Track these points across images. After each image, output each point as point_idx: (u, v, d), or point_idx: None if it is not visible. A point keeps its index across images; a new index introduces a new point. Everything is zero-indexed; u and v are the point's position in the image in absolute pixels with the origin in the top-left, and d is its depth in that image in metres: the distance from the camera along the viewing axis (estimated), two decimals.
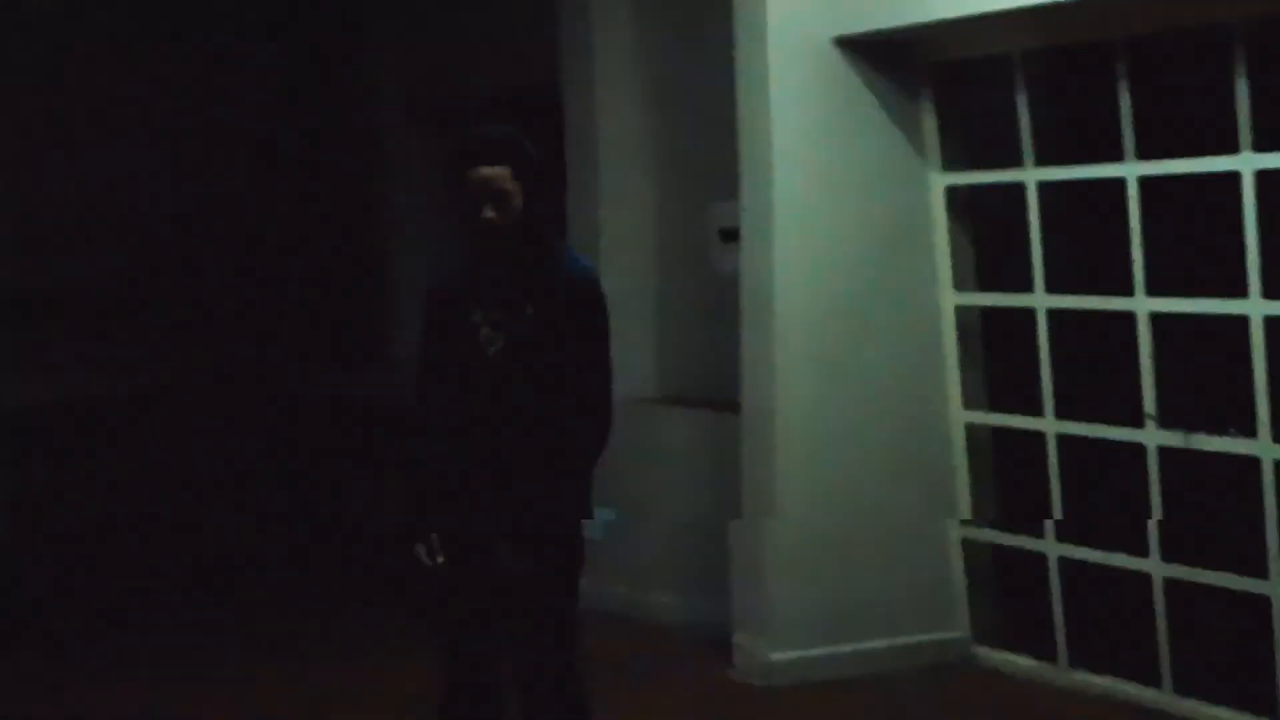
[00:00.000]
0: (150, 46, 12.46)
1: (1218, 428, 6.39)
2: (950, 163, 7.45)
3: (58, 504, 11.58)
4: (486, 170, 4.73)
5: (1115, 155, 6.66)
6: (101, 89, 12.26)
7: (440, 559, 4.81)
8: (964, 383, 7.47)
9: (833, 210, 7.30)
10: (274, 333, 12.84)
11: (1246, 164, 6.17)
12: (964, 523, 7.46)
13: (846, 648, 7.27)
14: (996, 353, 7.49)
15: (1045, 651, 7.13)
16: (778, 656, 7.21)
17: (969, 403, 7.47)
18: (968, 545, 7.46)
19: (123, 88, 12.33)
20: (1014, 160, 7.13)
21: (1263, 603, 6.26)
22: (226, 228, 12.84)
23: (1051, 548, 7.09)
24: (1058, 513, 7.07)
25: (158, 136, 12.51)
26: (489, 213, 4.73)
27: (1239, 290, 6.25)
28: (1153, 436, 6.63)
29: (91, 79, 12.24)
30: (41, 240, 12.03)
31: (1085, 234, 7.08)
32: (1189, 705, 6.55)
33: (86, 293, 12.29)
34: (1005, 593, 7.47)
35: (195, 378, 12.61)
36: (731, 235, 7.77)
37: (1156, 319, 6.60)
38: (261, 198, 12.93)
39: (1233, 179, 6.22)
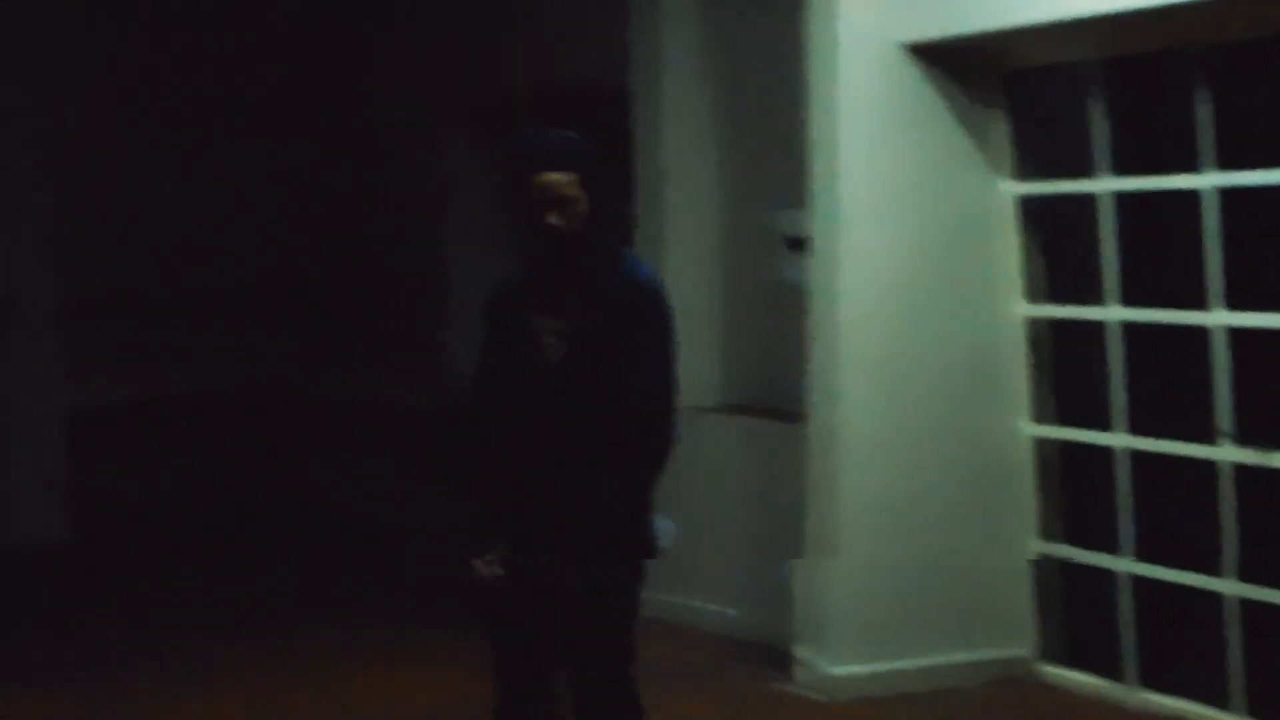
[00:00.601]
0: (207, 51, 12.51)
1: None
2: (1022, 172, 7.34)
3: (121, 503, 11.64)
4: (551, 176, 4.66)
5: (1192, 165, 6.53)
6: (173, 94, 12.33)
7: (499, 570, 4.74)
8: (1033, 396, 7.35)
9: (903, 219, 7.20)
10: (334, 337, 12.86)
11: None
12: (1032, 538, 7.34)
13: (909, 663, 7.16)
14: (1067, 366, 7.36)
15: (1112, 670, 7.00)
16: (838, 670, 7.11)
17: (1038, 416, 7.34)
18: (1036, 561, 7.33)
19: (190, 91, 12.39)
20: (1087, 170, 7.01)
21: None
22: (287, 232, 12.87)
23: (1120, 565, 6.96)
24: (1127, 530, 6.93)
25: (220, 141, 12.56)
26: (553, 219, 4.66)
27: None
28: (1228, 453, 6.49)
29: (165, 87, 12.32)
30: (109, 244, 12.10)
31: (1160, 246, 6.95)
32: None
33: (149, 296, 12.35)
34: (1072, 610, 7.34)
35: (254, 381, 12.66)
36: (798, 244, 7.68)
37: (1233, 334, 6.46)
38: (320, 201, 12.96)
39: None
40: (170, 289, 12.42)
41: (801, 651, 7.27)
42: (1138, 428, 6.89)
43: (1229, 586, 6.52)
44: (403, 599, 9.04)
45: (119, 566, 10.25)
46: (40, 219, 10.79)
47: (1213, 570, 6.57)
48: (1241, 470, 6.45)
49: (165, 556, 10.52)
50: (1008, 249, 7.34)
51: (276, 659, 7.92)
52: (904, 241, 7.20)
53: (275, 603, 9.19)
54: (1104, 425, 7.02)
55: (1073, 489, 7.35)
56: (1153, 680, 6.87)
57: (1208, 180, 6.47)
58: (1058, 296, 7.33)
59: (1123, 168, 6.91)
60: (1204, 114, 6.45)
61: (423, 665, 7.59)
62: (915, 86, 7.17)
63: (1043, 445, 7.34)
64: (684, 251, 8.56)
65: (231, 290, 12.66)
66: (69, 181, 11.05)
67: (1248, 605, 6.46)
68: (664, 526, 4.87)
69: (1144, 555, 6.89)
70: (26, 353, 10.80)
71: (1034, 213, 7.35)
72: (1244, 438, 6.43)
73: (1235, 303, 6.45)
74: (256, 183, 12.72)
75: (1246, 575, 6.47)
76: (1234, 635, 6.49)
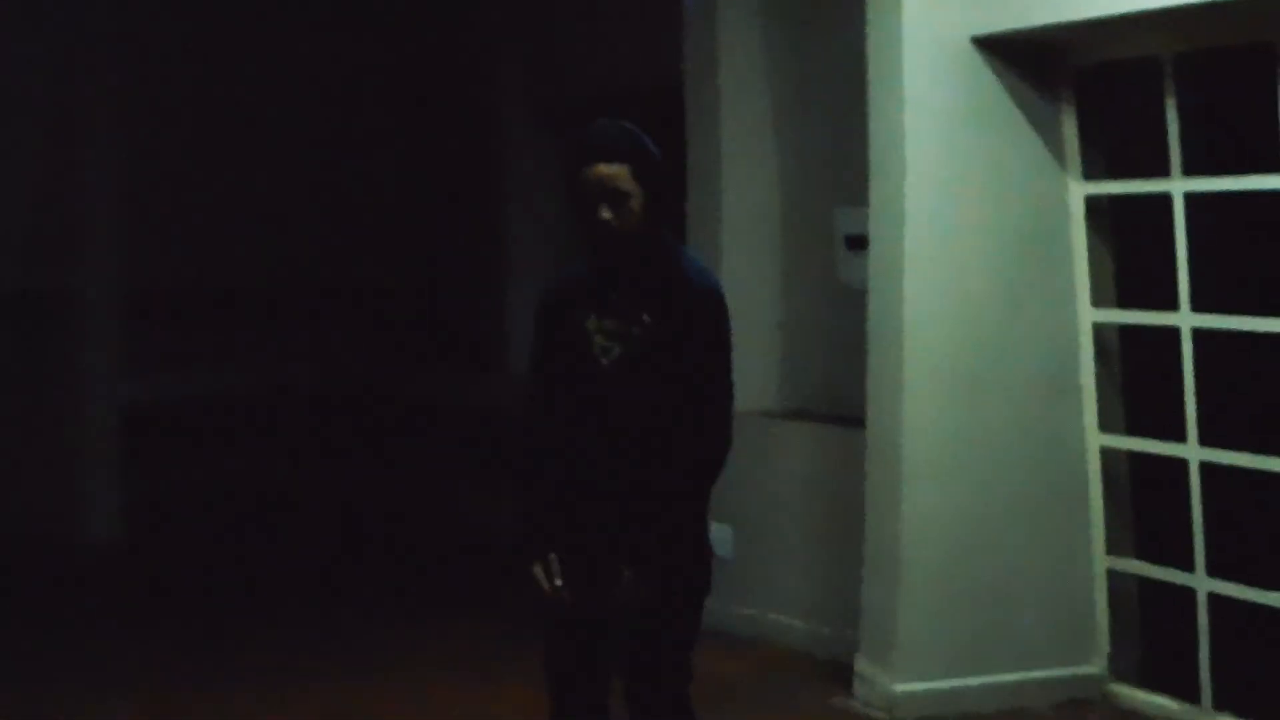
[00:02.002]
0: (276, 51, 12.47)
1: None
2: (1091, 171, 7.08)
3: (178, 502, 11.63)
4: (604, 168, 4.45)
5: (1271, 165, 6.27)
6: (241, 93, 12.32)
7: (559, 581, 4.53)
8: (1102, 404, 7.09)
9: (967, 219, 6.95)
10: (397, 337, 12.86)
11: None
12: (1108, 554, 7.07)
13: (975, 680, 6.90)
14: (1137, 374, 7.09)
15: (1188, 692, 6.73)
16: (902, 688, 6.86)
17: (1108, 426, 7.08)
18: (1111, 576, 7.06)
19: (258, 90, 12.37)
20: (1160, 170, 6.74)
21: None
22: (350, 232, 12.87)
23: (1199, 582, 6.67)
24: (1200, 545, 6.65)
25: (286, 141, 12.53)
26: (605, 214, 4.45)
27: None
28: None
29: (232, 85, 12.30)
30: (171, 241, 12.12)
31: (1236, 250, 6.68)
32: None
33: (211, 294, 12.38)
34: (1146, 628, 7.07)
35: (316, 380, 12.70)
36: (859, 243, 7.45)
37: None
38: (384, 201, 12.96)
39: None
40: (231, 287, 12.42)
41: (863, 667, 7.03)
42: (1211, 438, 6.62)
43: None
44: (465, 607, 8.90)
45: (180, 566, 10.17)
46: (102, 215, 10.75)
47: None
48: None
49: (223, 557, 10.42)
50: (1075, 251, 7.08)
51: (341, 668, 7.76)
52: (969, 242, 6.95)
53: (335, 607, 9.04)
54: (1176, 435, 6.75)
55: (1144, 501, 7.09)
56: (1228, 703, 6.59)
57: None
58: (1127, 301, 7.07)
59: (1196, 167, 6.64)
60: None
61: (487, 675, 7.45)
62: (983, 81, 6.92)
63: (1112, 456, 7.08)
64: (742, 250, 8.34)
65: (293, 290, 12.65)
66: (132, 177, 11.03)
67: None
68: (720, 531, 4.67)
69: (1220, 571, 6.61)
70: (86, 348, 10.76)
71: (1103, 213, 7.09)
72: None
73: None
74: (320, 183, 12.69)
75: None
76: None
